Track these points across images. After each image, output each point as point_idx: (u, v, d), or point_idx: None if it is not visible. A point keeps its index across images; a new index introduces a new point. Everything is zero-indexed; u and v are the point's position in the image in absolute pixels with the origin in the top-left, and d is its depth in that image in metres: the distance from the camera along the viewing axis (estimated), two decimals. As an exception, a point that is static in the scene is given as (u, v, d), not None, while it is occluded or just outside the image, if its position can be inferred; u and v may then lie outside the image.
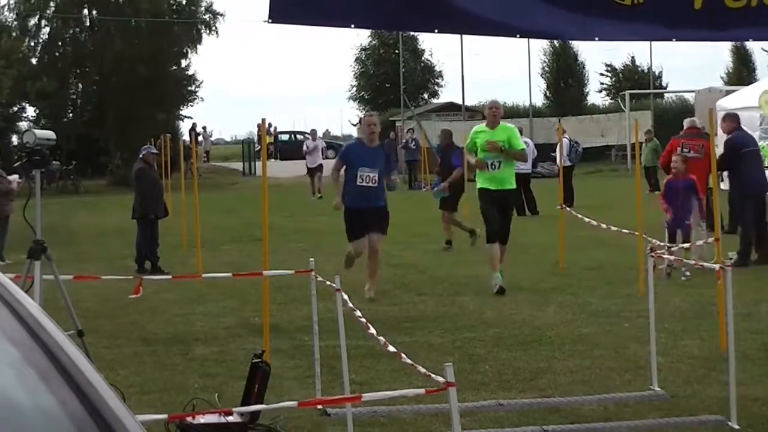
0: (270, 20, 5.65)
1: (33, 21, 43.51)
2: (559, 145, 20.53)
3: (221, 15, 44.82)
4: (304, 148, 34.11)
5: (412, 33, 54.67)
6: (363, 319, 6.30)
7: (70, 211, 28.31)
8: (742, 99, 23.24)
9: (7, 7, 43.37)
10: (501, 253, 12.58)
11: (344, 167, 12.23)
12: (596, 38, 6.70)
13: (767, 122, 20.00)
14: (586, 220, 14.51)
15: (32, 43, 44.09)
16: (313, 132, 36.55)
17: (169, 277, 11.32)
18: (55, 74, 43.53)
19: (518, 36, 6.47)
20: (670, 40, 6.76)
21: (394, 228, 21.17)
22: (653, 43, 47.46)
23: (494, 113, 12.64)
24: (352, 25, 6.23)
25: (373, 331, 6.04)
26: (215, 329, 10.65)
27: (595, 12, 6.29)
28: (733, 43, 52.99)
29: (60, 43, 44.43)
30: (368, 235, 11.97)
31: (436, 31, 6.37)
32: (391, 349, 5.59)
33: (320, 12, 6.04)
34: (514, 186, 12.82)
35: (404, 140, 39.13)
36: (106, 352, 9.30)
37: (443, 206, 17.42)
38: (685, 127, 15.09)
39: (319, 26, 6.48)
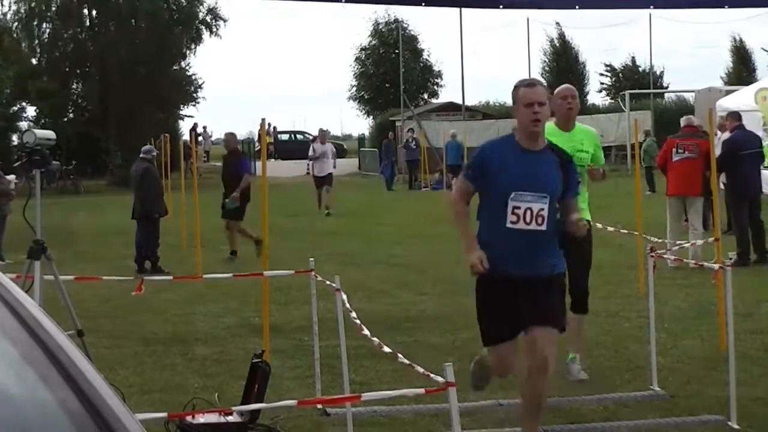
0: None
1: (34, 22, 43.51)
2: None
3: (224, 20, 44.85)
4: (310, 152, 26.87)
5: (412, 31, 54.84)
6: (357, 321, 6.30)
7: (70, 211, 28.30)
8: (742, 99, 23.28)
9: (9, 9, 43.43)
10: (576, 326, 7.95)
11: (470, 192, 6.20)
12: (576, 6, 6.74)
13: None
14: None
15: (33, 43, 44.10)
16: (323, 133, 27.54)
17: (170, 278, 11.32)
18: (55, 74, 43.55)
19: (501, 7, 6.49)
20: (648, 7, 6.84)
21: (394, 228, 21.27)
22: (653, 43, 47.62)
23: (569, 105, 7.98)
24: (343, 0, 6.27)
25: (366, 332, 6.04)
26: (215, 329, 10.65)
27: None
28: (733, 42, 53.15)
29: (60, 43, 44.43)
30: (529, 332, 6.03)
31: (423, 4, 6.38)
32: (386, 349, 5.59)
33: None
34: (589, 216, 8.36)
35: (404, 140, 39.10)
36: (106, 352, 9.30)
37: (228, 215, 16.69)
38: (681, 126, 15.06)
39: (310, 1, 6.54)
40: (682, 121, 15.18)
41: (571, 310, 7.90)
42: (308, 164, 31.86)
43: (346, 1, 6.35)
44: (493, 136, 29.54)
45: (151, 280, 10.68)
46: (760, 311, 10.79)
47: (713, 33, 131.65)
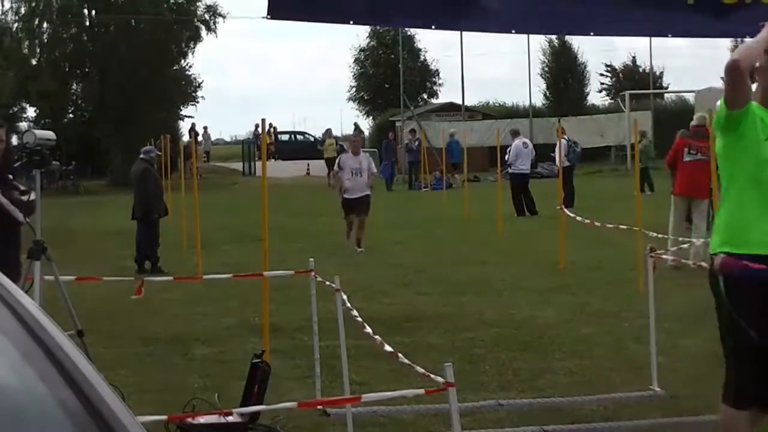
0: (269, 16, 5.68)
1: (35, 22, 43.49)
2: (557, 145, 20.57)
3: (222, 16, 44.83)
4: (336, 168, 18.54)
5: (409, 32, 54.78)
6: (359, 319, 6.30)
7: (70, 211, 28.30)
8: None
9: (11, 10, 43.40)
10: None
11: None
12: (591, 33, 6.76)
13: None
14: (579, 218, 14.52)
15: (33, 43, 44.10)
16: (355, 142, 19.38)
17: (171, 278, 11.32)
18: (55, 74, 43.53)
19: (513, 32, 6.52)
20: (666, 35, 6.84)
21: (394, 228, 21.27)
22: (653, 43, 47.60)
23: None
24: (351, 22, 6.31)
25: (369, 330, 6.04)
26: (215, 329, 10.65)
27: (591, 7, 6.35)
28: (733, 42, 53.14)
29: (60, 43, 44.42)
30: None
31: (433, 27, 6.41)
32: (388, 348, 5.59)
33: (318, 9, 6.12)
34: None
35: (406, 141, 39.11)
36: (106, 352, 9.30)
37: None
38: (693, 124, 14.92)
39: (318, 22, 6.54)
40: (695, 120, 15.02)
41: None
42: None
43: (354, 23, 6.40)
44: (493, 136, 29.56)
45: (151, 281, 10.68)
46: (760, 311, 10.77)
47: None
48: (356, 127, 53.58)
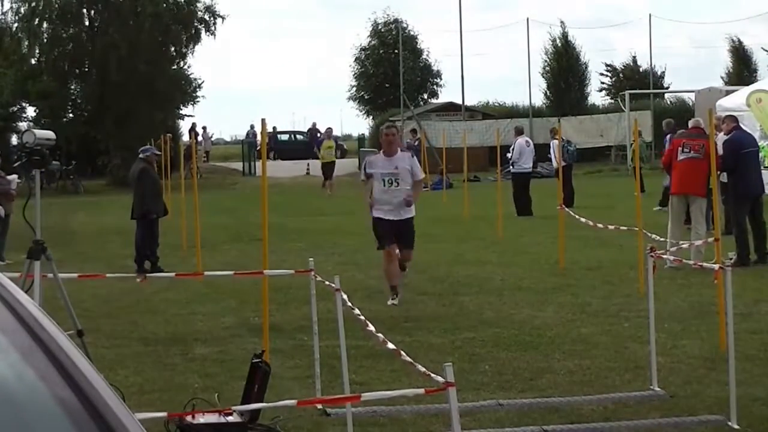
0: None
1: (35, 22, 43.47)
2: (557, 146, 20.56)
3: (221, 17, 44.77)
4: (362, 175, 12.33)
5: (411, 32, 54.76)
6: (362, 317, 6.30)
7: (70, 211, 28.30)
8: (742, 99, 23.29)
9: (11, 10, 43.37)
10: None
11: None
12: None
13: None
14: (582, 220, 14.51)
15: (33, 43, 44.09)
16: (389, 134, 11.95)
17: (172, 275, 11.33)
18: (55, 74, 43.52)
19: None
20: None
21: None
22: (653, 43, 47.59)
23: None
24: None
25: (371, 328, 6.04)
26: (215, 329, 10.65)
27: None
28: (731, 44, 53.10)
29: (60, 43, 44.40)
30: None
31: None
32: (390, 346, 5.59)
33: None
34: None
35: (407, 140, 39.01)
36: (106, 352, 9.30)
37: None
38: (689, 127, 15.12)
39: None
40: (690, 123, 15.26)
41: None
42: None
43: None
44: (493, 136, 29.51)
45: (151, 280, 10.70)
46: (760, 311, 10.79)
47: (713, 33, 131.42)
48: (313, 126, 52.99)
